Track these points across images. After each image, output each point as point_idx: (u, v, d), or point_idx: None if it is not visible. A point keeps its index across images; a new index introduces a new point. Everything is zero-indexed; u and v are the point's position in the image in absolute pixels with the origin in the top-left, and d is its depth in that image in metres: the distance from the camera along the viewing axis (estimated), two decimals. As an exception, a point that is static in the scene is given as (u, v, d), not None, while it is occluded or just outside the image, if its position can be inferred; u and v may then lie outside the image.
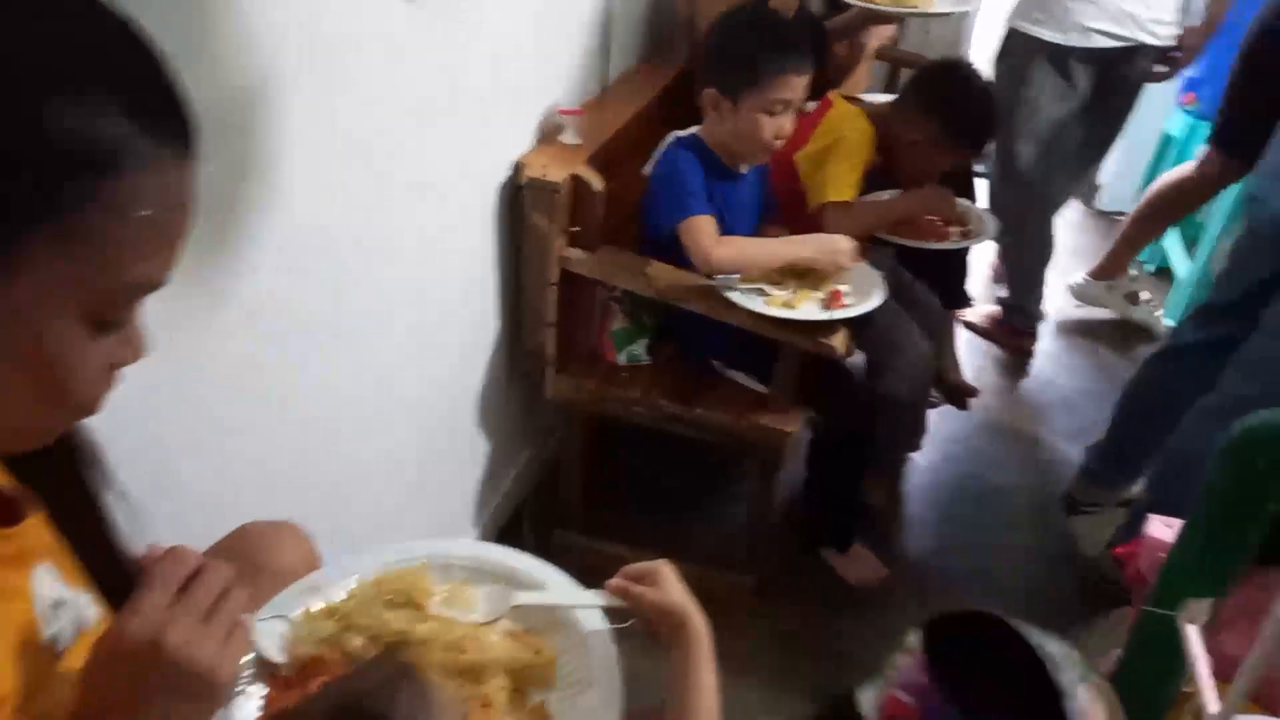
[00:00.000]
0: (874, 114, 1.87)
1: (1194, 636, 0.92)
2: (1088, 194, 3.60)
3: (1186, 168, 2.65)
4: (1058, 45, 2.26)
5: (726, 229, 1.64)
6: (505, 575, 0.88)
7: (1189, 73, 3.03)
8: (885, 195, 1.94)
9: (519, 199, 1.57)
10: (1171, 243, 3.10)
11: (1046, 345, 2.79)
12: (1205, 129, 3.00)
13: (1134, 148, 3.35)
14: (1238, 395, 1.71)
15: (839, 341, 1.54)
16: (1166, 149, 3.24)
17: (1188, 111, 3.06)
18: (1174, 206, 2.73)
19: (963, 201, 2.05)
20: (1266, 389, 1.69)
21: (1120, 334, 2.89)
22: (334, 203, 1.16)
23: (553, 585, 0.88)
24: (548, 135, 1.67)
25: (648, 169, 1.82)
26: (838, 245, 1.60)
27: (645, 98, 1.94)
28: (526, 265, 1.63)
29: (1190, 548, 0.92)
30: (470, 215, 1.53)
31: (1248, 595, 0.96)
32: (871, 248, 1.97)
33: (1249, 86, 2.27)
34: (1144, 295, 2.93)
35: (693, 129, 1.71)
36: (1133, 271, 2.98)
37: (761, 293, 1.58)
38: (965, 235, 1.96)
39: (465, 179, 1.48)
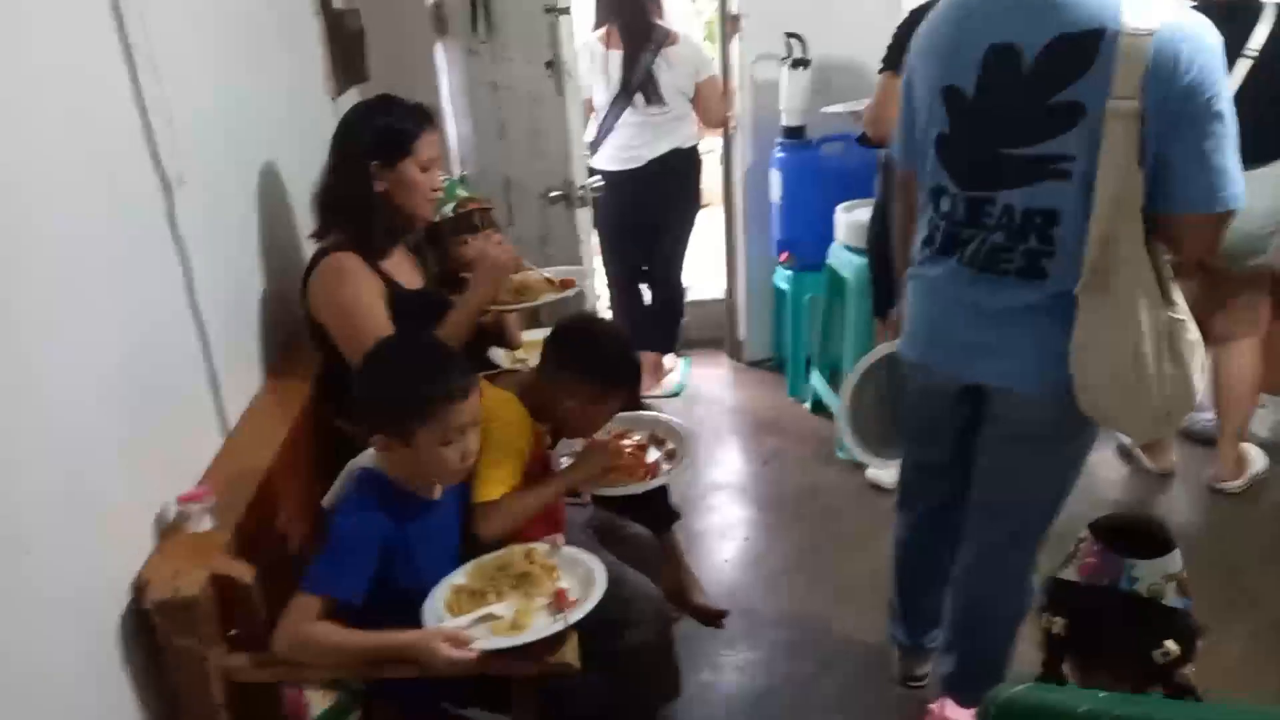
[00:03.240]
0: (524, 388, 1.82)
1: None
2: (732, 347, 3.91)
3: None
4: None
5: (418, 567, 1.50)
6: None
7: (779, 236, 3.44)
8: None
9: (149, 624, 1.29)
10: (817, 380, 3.40)
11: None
12: (807, 280, 3.40)
13: (757, 303, 3.71)
14: (990, 543, 1.81)
15: (571, 655, 1.41)
16: (782, 301, 3.60)
17: (788, 268, 3.44)
18: None
19: (650, 417, 2.02)
20: (1013, 531, 1.80)
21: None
22: None
23: None
24: (174, 528, 1.42)
25: (328, 501, 1.62)
26: None
27: (285, 425, 1.75)
28: (183, 698, 1.33)
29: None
30: (88, 668, 1.22)
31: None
32: (566, 506, 1.90)
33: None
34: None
35: (372, 460, 1.55)
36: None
37: (488, 618, 1.43)
38: (670, 457, 1.89)
39: (65, 625, 1.18)
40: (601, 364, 1.80)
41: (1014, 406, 1.63)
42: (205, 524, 1.41)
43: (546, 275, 2.15)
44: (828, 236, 3.16)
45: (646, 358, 3.51)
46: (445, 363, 1.52)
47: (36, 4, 1.22)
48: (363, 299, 1.80)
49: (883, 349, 1.99)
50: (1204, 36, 1.37)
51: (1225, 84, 1.39)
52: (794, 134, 3.29)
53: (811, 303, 3.38)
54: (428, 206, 1.94)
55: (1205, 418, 2.92)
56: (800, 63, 3.21)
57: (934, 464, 1.91)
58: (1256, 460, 2.77)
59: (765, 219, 3.50)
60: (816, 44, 3.19)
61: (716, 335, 3.97)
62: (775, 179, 3.36)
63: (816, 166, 3.26)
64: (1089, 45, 1.37)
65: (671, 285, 3.63)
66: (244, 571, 1.35)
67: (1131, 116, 1.35)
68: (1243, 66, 2.27)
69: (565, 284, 2.13)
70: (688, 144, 3.40)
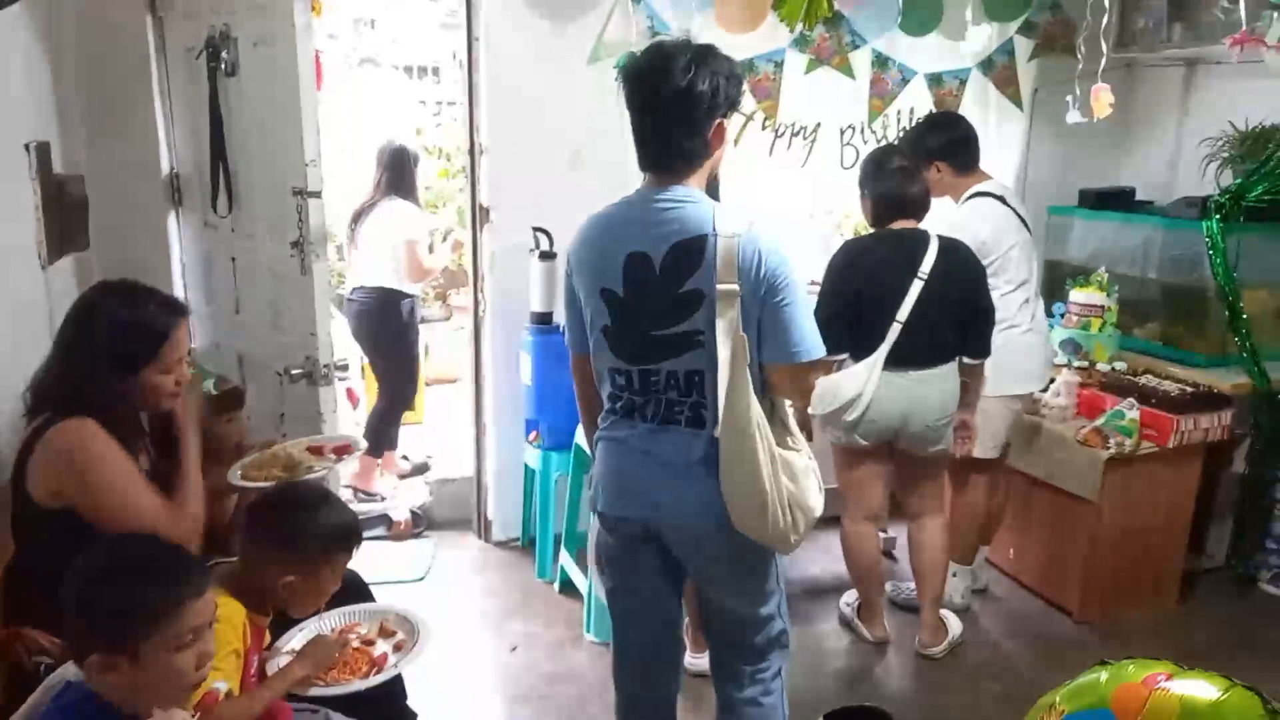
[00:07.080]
0: (233, 579, 1.66)
1: None
2: (480, 527, 3.84)
3: None
4: None
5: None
6: None
7: (528, 416, 3.51)
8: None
9: None
10: (566, 560, 3.40)
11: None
12: (555, 458, 3.45)
13: (506, 481, 3.71)
14: (732, 670, 2.02)
15: None
16: (531, 480, 3.63)
17: (537, 446, 3.49)
18: None
19: (378, 607, 1.89)
20: (743, 645, 1.99)
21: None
22: None
23: None
24: None
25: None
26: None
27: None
28: None
29: None
30: None
31: None
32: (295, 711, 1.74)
33: None
34: None
35: (77, 677, 1.33)
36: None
37: None
38: (398, 648, 1.76)
39: None
40: (311, 529, 1.69)
41: (694, 541, 1.89)
42: None
43: (309, 444, 2.01)
44: (575, 417, 3.25)
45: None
46: (171, 558, 1.38)
47: None
48: (121, 463, 1.62)
49: None
50: (772, 240, 1.77)
51: (793, 270, 1.78)
52: (542, 319, 3.43)
53: (559, 481, 3.43)
54: (170, 402, 1.78)
55: (908, 587, 3.22)
56: (546, 255, 3.39)
57: (635, 610, 2.05)
58: (954, 626, 3.08)
59: (515, 399, 3.57)
60: (562, 237, 3.40)
61: (465, 515, 3.90)
62: (525, 361, 3.46)
63: (564, 350, 3.38)
64: (698, 248, 1.74)
65: (381, 397, 4.27)
66: None
67: (734, 295, 1.73)
68: (916, 286, 2.68)
69: (340, 450, 2.00)
70: (371, 284, 4.14)
